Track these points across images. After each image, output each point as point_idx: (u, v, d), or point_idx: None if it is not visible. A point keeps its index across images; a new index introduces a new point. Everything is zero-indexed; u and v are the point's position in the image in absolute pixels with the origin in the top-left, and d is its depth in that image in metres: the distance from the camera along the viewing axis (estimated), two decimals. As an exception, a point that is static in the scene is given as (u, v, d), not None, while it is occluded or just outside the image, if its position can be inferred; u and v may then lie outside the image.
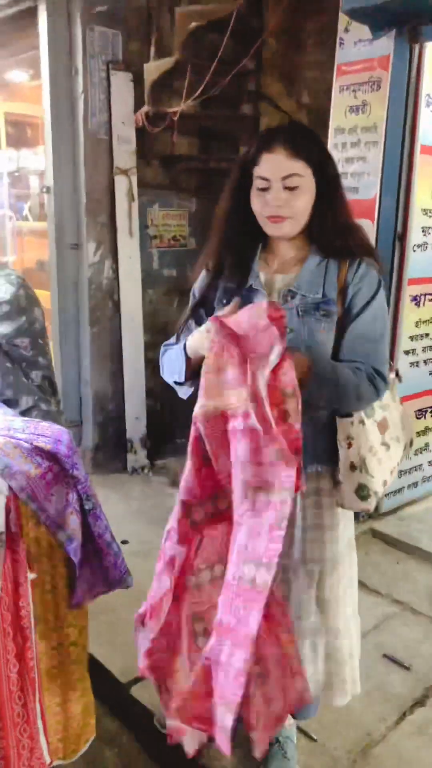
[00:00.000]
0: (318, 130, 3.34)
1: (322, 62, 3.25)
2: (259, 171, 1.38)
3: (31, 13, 3.47)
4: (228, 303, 1.43)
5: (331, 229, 1.43)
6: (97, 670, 2.11)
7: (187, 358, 1.43)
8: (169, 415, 3.87)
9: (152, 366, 3.68)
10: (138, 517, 3.24)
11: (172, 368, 1.50)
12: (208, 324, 1.31)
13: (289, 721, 1.82)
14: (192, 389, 1.48)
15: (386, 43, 2.63)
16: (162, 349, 1.59)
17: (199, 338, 1.38)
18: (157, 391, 3.78)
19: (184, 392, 1.54)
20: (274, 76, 3.79)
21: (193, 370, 1.43)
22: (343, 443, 1.48)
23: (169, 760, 1.92)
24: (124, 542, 2.92)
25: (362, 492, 1.49)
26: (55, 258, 3.58)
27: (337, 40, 2.80)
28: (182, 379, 1.47)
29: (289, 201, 1.37)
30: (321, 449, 1.50)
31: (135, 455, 3.77)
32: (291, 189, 1.36)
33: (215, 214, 1.51)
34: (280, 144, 1.35)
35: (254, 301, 1.42)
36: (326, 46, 3.07)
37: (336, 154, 2.88)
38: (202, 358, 1.31)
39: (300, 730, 1.90)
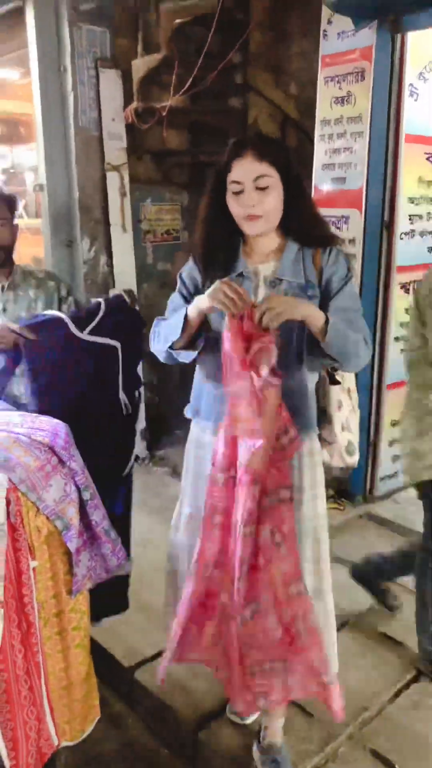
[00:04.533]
0: (306, 120, 3.41)
1: (309, 53, 3.29)
2: (232, 176, 1.51)
3: (20, 12, 3.51)
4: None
5: (302, 222, 1.57)
6: (101, 654, 2.19)
7: (186, 322, 1.53)
8: (167, 407, 3.92)
9: (149, 359, 3.74)
10: (139, 508, 3.27)
11: (168, 333, 1.59)
12: (217, 283, 1.42)
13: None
14: (188, 354, 1.60)
15: (369, 34, 2.67)
16: (155, 321, 1.69)
17: (203, 297, 1.47)
18: (155, 383, 3.83)
19: (184, 357, 1.63)
20: (261, 68, 3.82)
21: (189, 334, 1.55)
22: (335, 407, 1.67)
23: (171, 738, 1.99)
24: (125, 532, 2.97)
25: (350, 448, 1.71)
26: (51, 255, 3.63)
27: (321, 32, 2.84)
28: (177, 336, 1.55)
29: (261, 200, 1.50)
30: (310, 416, 1.66)
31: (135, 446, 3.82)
32: (262, 189, 1.49)
33: (198, 215, 1.62)
34: (248, 150, 1.49)
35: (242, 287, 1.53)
36: (312, 37, 3.10)
37: (323, 146, 2.92)
38: (199, 322, 1.51)
39: (297, 705, 1.97)
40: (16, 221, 2.14)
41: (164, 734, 2.01)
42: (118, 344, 1.89)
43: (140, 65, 3.30)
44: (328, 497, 3.19)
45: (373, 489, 3.18)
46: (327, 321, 1.44)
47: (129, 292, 1.85)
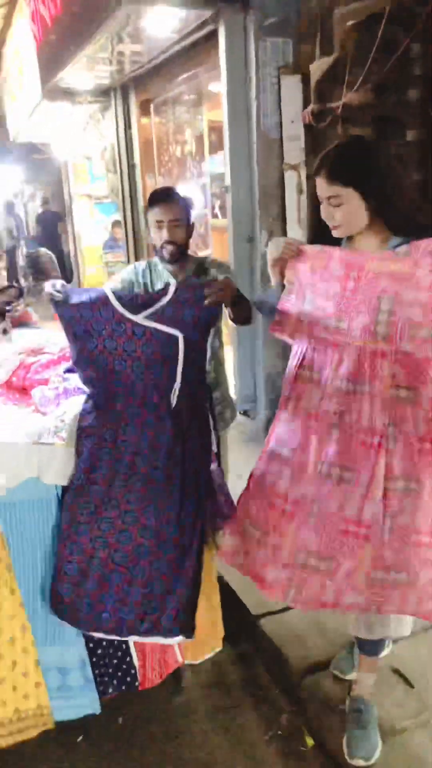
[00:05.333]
0: None
1: None
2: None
3: (215, 33, 3.91)
4: None
5: (396, 217, 1.66)
6: (235, 601, 2.48)
7: None
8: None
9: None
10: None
11: None
12: None
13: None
14: None
15: None
16: None
17: None
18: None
19: None
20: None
21: None
22: None
23: (282, 680, 2.23)
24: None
25: None
26: (233, 251, 4.00)
27: None
28: None
29: (334, 214, 1.67)
30: None
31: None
32: (335, 206, 1.65)
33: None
34: (321, 171, 1.65)
35: None
36: None
37: None
38: None
39: (402, 675, 2.08)
40: (192, 221, 2.35)
41: (277, 675, 2.25)
42: (179, 334, 1.76)
43: (316, 68, 3.49)
44: None
45: None
46: None
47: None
